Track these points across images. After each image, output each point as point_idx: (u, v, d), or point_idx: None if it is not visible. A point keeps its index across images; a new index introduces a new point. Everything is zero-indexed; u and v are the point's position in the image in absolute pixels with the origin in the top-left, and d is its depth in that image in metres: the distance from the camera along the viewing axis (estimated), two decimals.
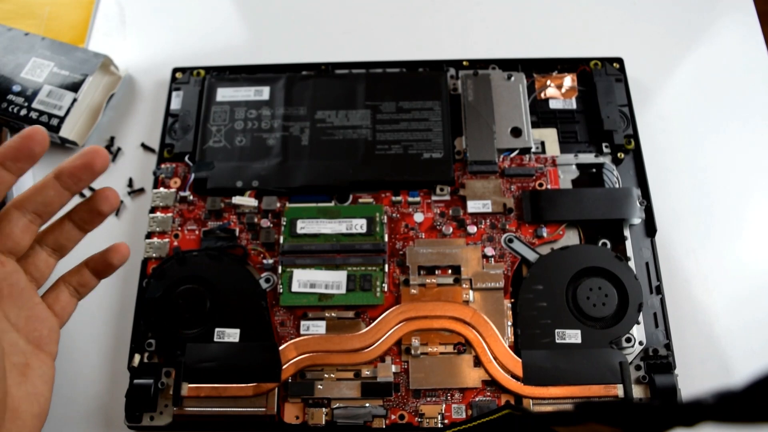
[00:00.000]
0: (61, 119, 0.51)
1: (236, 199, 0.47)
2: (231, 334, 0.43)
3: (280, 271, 0.44)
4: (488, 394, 0.42)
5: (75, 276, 0.32)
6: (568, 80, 0.52)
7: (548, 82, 0.52)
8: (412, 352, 0.42)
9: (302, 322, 0.44)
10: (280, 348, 0.42)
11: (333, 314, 0.44)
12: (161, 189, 0.48)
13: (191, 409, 0.41)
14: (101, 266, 0.32)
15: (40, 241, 0.30)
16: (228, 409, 0.41)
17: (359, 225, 0.46)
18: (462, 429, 0.36)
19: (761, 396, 0.19)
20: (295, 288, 0.44)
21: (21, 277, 0.29)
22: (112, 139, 0.53)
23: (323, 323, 0.43)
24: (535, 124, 0.51)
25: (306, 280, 0.44)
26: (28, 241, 0.29)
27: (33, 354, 0.29)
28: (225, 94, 0.52)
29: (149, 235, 0.47)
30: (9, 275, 0.28)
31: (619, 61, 0.52)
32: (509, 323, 0.43)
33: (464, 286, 0.44)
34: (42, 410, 0.29)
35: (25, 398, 0.28)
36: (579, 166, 0.49)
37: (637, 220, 0.46)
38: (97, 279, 0.33)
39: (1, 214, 0.28)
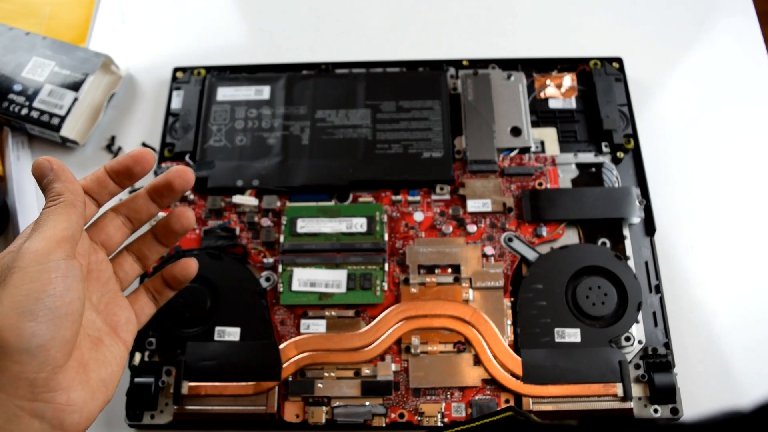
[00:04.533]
0: (62, 119, 0.51)
1: (237, 198, 0.47)
2: (231, 333, 0.43)
3: (280, 270, 0.44)
4: (488, 392, 0.42)
5: (153, 282, 0.35)
6: (568, 80, 0.52)
7: (548, 82, 0.52)
8: (412, 350, 0.42)
9: (302, 321, 0.44)
10: (281, 347, 0.42)
11: (333, 313, 0.44)
12: None
13: (192, 407, 0.41)
14: (170, 278, 0.35)
15: (128, 248, 0.34)
16: (228, 407, 0.41)
17: (359, 224, 0.46)
18: (463, 429, 0.36)
19: None
20: (295, 287, 0.44)
21: (108, 268, 0.33)
22: (112, 138, 0.54)
23: (323, 322, 0.44)
24: (535, 124, 0.51)
25: (306, 278, 0.44)
26: (119, 238, 0.33)
27: (108, 334, 0.31)
28: (225, 93, 0.52)
29: None
30: (99, 262, 0.32)
31: (619, 60, 0.52)
32: (509, 322, 0.43)
33: (464, 285, 0.44)
34: (108, 379, 0.30)
35: (93, 361, 0.29)
36: (578, 165, 0.49)
37: (636, 219, 0.46)
38: (171, 290, 0.36)
39: (100, 215, 0.33)
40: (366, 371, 0.42)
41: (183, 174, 0.33)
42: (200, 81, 0.53)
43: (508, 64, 0.53)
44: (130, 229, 0.34)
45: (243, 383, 0.41)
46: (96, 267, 0.32)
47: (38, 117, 0.51)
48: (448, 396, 0.42)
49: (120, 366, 0.31)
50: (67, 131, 0.51)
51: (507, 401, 0.41)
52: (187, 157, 0.50)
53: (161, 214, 0.42)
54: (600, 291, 0.43)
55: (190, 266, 0.35)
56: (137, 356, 0.43)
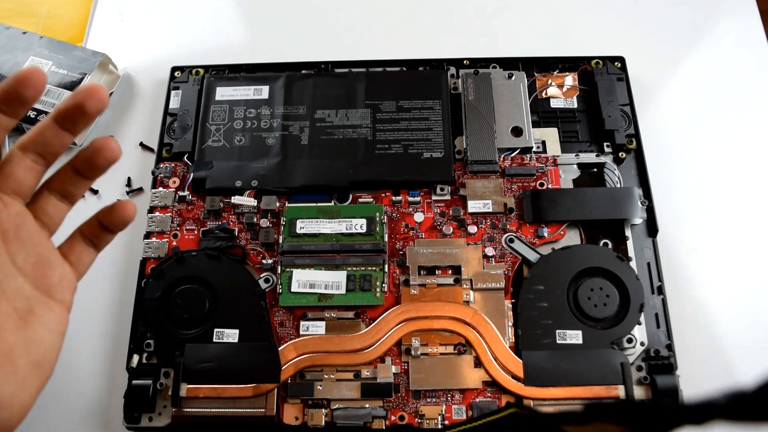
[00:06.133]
0: None
1: (235, 199, 0.47)
2: (230, 335, 0.42)
3: (279, 271, 0.44)
4: (489, 394, 0.41)
5: (87, 227, 0.31)
6: (570, 79, 0.52)
7: (549, 81, 0.52)
8: (412, 352, 0.42)
9: (302, 323, 0.43)
10: (280, 348, 0.42)
11: (333, 314, 0.43)
12: (160, 189, 0.48)
13: (190, 410, 0.41)
14: (106, 219, 0.31)
15: (48, 187, 0.29)
16: (227, 410, 0.41)
17: (359, 225, 0.45)
18: (466, 428, 0.36)
19: None
20: (294, 288, 0.43)
21: (28, 219, 0.28)
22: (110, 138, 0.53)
23: (323, 324, 0.43)
24: (536, 124, 0.50)
25: (305, 280, 0.44)
26: (32, 181, 0.28)
27: (40, 301, 0.28)
28: (224, 93, 0.51)
29: (148, 235, 0.47)
30: (14, 216, 0.27)
31: (621, 59, 0.52)
32: (510, 324, 0.43)
33: (465, 286, 0.44)
34: (42, 359, 0.27)
35: (21, 343, 0.26)
36: (580, 165, 0.48)
37: (638, 219, 0.46)
38: (110, 233, 0.31)
39: (4, 157, 0.28)
40: (366, 373, 0.42)
41: (95, 92, 0.27)
42: (198, 80, 0.52)
43: (509, 64, 0.52)
44: (44, 166, 0.29)
45: (242, 385, 0.41)
46: (11, 225, 0.27)
47: (35, 117, 0.50)
48: (449, 398, 0.41)
49: (59, 334, 0.28)
50: None
51: (509, 402, 0.41)
52: (185, 158, 0.49)
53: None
54: (602, 292, 0.43)
55: (127, 207, 0.30)
56: (135, 358, 0.42)
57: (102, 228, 0.31)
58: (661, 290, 0.44)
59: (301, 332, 0.43)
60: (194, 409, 0.41)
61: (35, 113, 0.50)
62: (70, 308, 0.29)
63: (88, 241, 0.30)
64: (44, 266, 0.28)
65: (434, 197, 0.47)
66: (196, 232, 0.47)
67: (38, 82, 0.26)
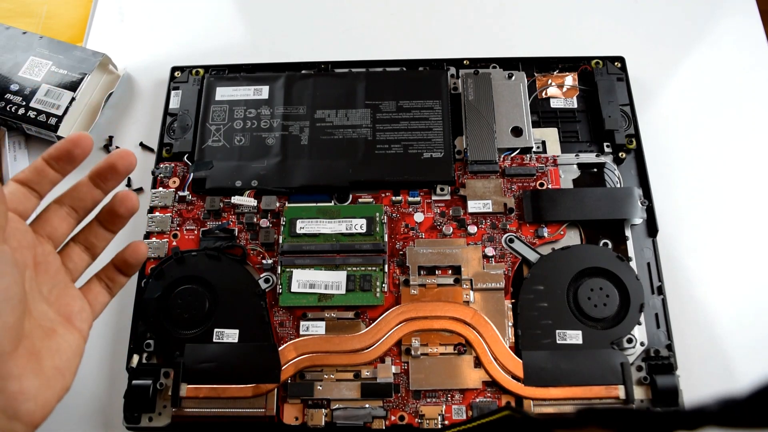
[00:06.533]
0: (59, 118, 0.50)
1: (235, 199, 0.47)
2: (230, 335, 0.42)
3: (279, 271, 0.44)
4: (489, 395, 0.41)
5: (105, 271, 0.35)
6: (570, 79, 0.52)
7: (549, 81, 0.52)
8: (412, 352, 0.42)
9: (302, 323, 0.43)
10: (280, 349, 0.42)
11: (333, 315, 0.43)
12: (160, 189, 0.48)
13: (190, 410, 0.41)
14: (121, 263, 0.35)
15: (75, 239, 0.34)
16: (227, 410, 0.41)
17: (359, 225, 0.45)
18: (461, 430, 0.36)
19: (765, 403, 0.19)
20: (294, 288, 0.43)
21: (56, 260, 0.32)
22: (110, 138, 0.53)
23: (323, 324, 0.43)
24: (536, 124, 0.50)
25: (305, 280, 0.44)
26: (64, 229, 0.32)
27: (61, 324, 0.30)
28: (224, 93, 0.51)
29: (148, 235, 0.47)
30: (45, 254, 0.31)
31: (621, 60, 0.52)
32: (510, 324, 0.43)
33: (464, 286, 0.44)
34: (64, 367, 0.29)
35: (46, 350, 0.29)
36: (580, 165, 0.48)
37: (638, 220, 0.46)
38: (124, 276, 0.35)
39: (44, 208, 0.32)
40: (366, 373, 0.42)
41: (126, 156, 0.32)
42: (198, 80, 0.52)
43: (509, 64, 0.52)
44: (76, 218, 0.33)
45: (242, 385, 0.41)
46: (43, 259, 0.31)
47: (35, 117, 0.50)
48: (449, 398, 0.41)
49: (76, 354, 0.31)
50: (64, 131, 0.51)
51: (508, 403, 0.41)
52: (185, 158, 0.49)
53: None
54: (602, 292, 0.43)
55: (139, 249, 0.34)
56: (135, 358, 0.42)
57: (117, 271, 0.35)
58: (661, 290, 0.44)
59: (301, 332, 0.43)
60: (194, 409, 0.41)
61: (35, 113, 0.50)
62: (86, 338, 0.32)
63: (104, 284, 0.34)
64: (66, 298, 0.32)
65: (434, 197, 0.47)
66: (196, 232, 0.47)
67: (86, 144, 0.31)
